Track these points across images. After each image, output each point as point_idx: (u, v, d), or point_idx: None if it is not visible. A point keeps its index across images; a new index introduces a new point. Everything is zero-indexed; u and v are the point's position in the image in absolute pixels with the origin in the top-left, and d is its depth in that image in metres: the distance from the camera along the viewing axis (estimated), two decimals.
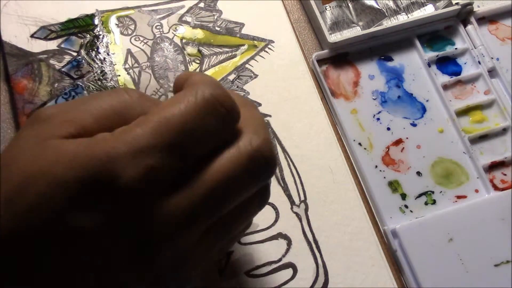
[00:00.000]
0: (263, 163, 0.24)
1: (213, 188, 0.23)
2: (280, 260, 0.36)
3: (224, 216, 0.24)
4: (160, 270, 0.23)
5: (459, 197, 0.39)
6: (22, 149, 0.22)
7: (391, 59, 0.43)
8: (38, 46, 0.40)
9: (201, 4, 0.43)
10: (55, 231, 0.21)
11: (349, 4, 0.45)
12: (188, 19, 0.43)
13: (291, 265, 0.36)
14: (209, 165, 0.23)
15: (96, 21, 0.42)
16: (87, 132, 0.22)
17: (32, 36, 0.40)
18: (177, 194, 0.22)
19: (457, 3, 0.43)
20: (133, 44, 0.41)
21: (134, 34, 0.42)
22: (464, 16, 0.44)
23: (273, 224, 0.37)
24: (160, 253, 0.22)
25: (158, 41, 0.42)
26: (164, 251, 0.22)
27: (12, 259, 0.21)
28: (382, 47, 0.43)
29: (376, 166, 0.40)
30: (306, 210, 0.37)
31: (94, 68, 0.40)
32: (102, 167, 0.21)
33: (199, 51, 0.42)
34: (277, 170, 0.38)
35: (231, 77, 0.41)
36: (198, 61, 0.41)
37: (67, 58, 0.40)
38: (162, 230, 0.22)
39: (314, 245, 0.36)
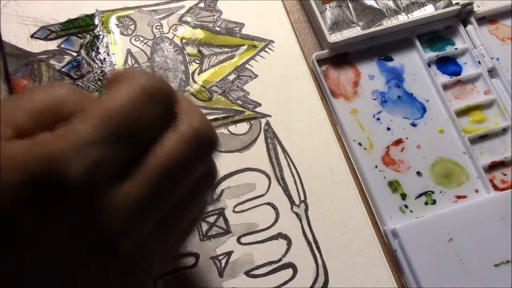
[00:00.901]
0: (205, 140, 0.25)
1: (160, 172, 0.23)
2: (280, 260, 0.36)
3: (175, 200, 0.24)
4: (119, 264, 0.23)
5: (459, 197, 0.39)
6: None
7: (391, 59, 0.43)
8: (38, 46, 0.40)
9: (201, 4, 0.43)
10: (4, 236, 0.21)
11: (349, 4, 0.45)
12: (188, 19, 0.43)
13: (291, 265, 0.36)
14: (153, 151, 0.23)
15: (96, 21, 0.42)
16: (24, 130, 0.22)
17: (32, 36, 0.40)
18: (126, 183, 0.22)
19: (457, 3, 0.43)
20: (133, 44, 0.41)
21: (134, 34, 0.42)
22: (464, 16, 0.44)
23: (273, 224, 0.37)
24: (118, 246, 0.22)
25: (158, 41, 0.42)
26: (121, 243, 0.22)
27: None
28: (382, 47, 0.43)
29: (376, 166, 0.40)
30: (306, 210, 0.37)
31: (94, 68, 0.40)
32: (47, 168, 0.21)
33: (199, 51, 0.42)
34: (277, 170, 0.38)
35: (231, 77, 0.41)
36: (198, 61, 0.41)
37: (67, 58, 0.40)
38: (115, 223, 0.22)
39: (314, 245, 0.36)
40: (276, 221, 0.37)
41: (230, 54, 0.42)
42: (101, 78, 0.40)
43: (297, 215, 0.37)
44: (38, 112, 0.23)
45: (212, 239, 0.36)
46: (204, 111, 0.40)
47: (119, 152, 0.22)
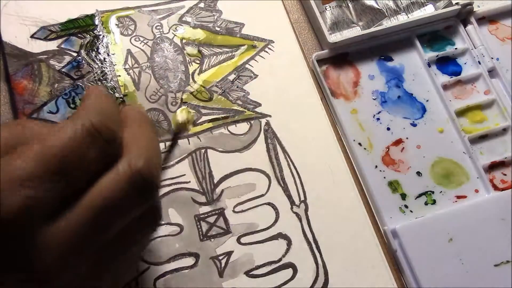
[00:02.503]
0: (143, 186, 0.24)
1: (93, 212, 0.23)
2: (280, 260, 0.36)
3: (113, 239, 0.24)
4: None
5: (459, 197, 0.39)
6: None
7: (391, 59, 0.43)
8: (38, 47, 0.40)
9: (201, 4, 0.43)
10: None
11: (349, 4, 0.45)
12: (188, 19, 0.43)
13: (291, 265, 0.36)
14: (89, 191, 0.23)
15: (96, 21, 0.42)
16: None
17: (32, 36, 0.40)
18: (59, 221, 0.22)
19: (457, 3, 0.43)
20: (133, 45, 0.41)
21: (134, 34, 0.42)
22: (464, 16, 0.44)
23: (273, 224, 0.37)
24: (51, 283, 0.22)
25: (158, 41, 0.42)
26: (55, 280, 0.22)
27: None
28: (382, 47, 0.43)
29: (376, 166, 0.40)
30: (306, 210, 0.37)
31: (94, 68, 0.40)
32: None
33: (199, 51, 0.42)
34: (277, 170, 0.38)
35: (231, 77, 0.41)
36: (198, 61, 0.41)
37: (67, 58, 0.40)
38: (47, 260, 0.22)
39: (314, 245, 0.36)
40: (276, 221, 0.37)
41: (230, 54, 0.42)
42: (101, 78, 0.40)
43: (297, 215, 0.37)
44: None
45: (212, 239, 0.36)
46: (204, 111, 0.40)
47: (54, 190, 0.22)
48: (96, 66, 0.40)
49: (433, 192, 0.39)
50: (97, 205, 0.23)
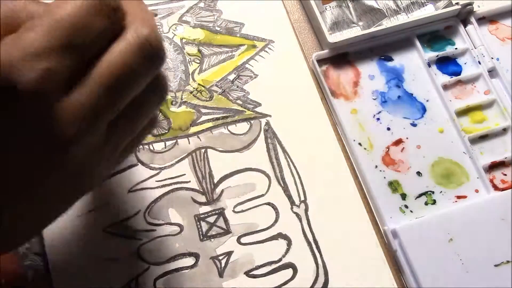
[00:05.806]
0: (151, 52, 0.25)
1: (107, 80, 0.24)
2: (280, 260, 0.36)
3: (124, 109, 0.25)
4: (74, 170, 0.24)
5: (459, 197, 0.39)
6: None
7: (391, 59, 0.43)
8: None
9: (201, 4, 0.43)
10: None
11: (349, 4, 0.45)
12: (188, 19, 0.43)
13: (291, 265, 0.36)
14: (101, 60, 0.24)
15: None
16: None
17: None
18: (75, 91, 0.23)
19: (457, 3, 0.43)
20: None
21: None
22: (464, 16, 0.44)
23: (273, 224, 0.37)
24: (71, 152, 0.23)
25: None
26: (73, 149, 0.23)
27: None
28: (382, 47, 0.43)
29: (376, 166, 0.40)
30: (306, 210, 0.37)
31: None
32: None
33: (199, 51, 0.42)
34: (277, 170, 0.38)
35: (231, 77, 0.41)
36: (198, 61, 0.41)
37: None
38: (66, 130, 0.23)
39: (314, 245, 0.36)
40: (276, 221, 0.37)
41: (230, 54, 0.42)
42: None
43: (297, 215, 0.37)
44: None
45: (212, 239, 0.36)
46: (204, 110, 0.40)
47: (68, 61, 0.23)
48: None
49: (433, 192, 0.39)
50: (111, 72, 0.24)
